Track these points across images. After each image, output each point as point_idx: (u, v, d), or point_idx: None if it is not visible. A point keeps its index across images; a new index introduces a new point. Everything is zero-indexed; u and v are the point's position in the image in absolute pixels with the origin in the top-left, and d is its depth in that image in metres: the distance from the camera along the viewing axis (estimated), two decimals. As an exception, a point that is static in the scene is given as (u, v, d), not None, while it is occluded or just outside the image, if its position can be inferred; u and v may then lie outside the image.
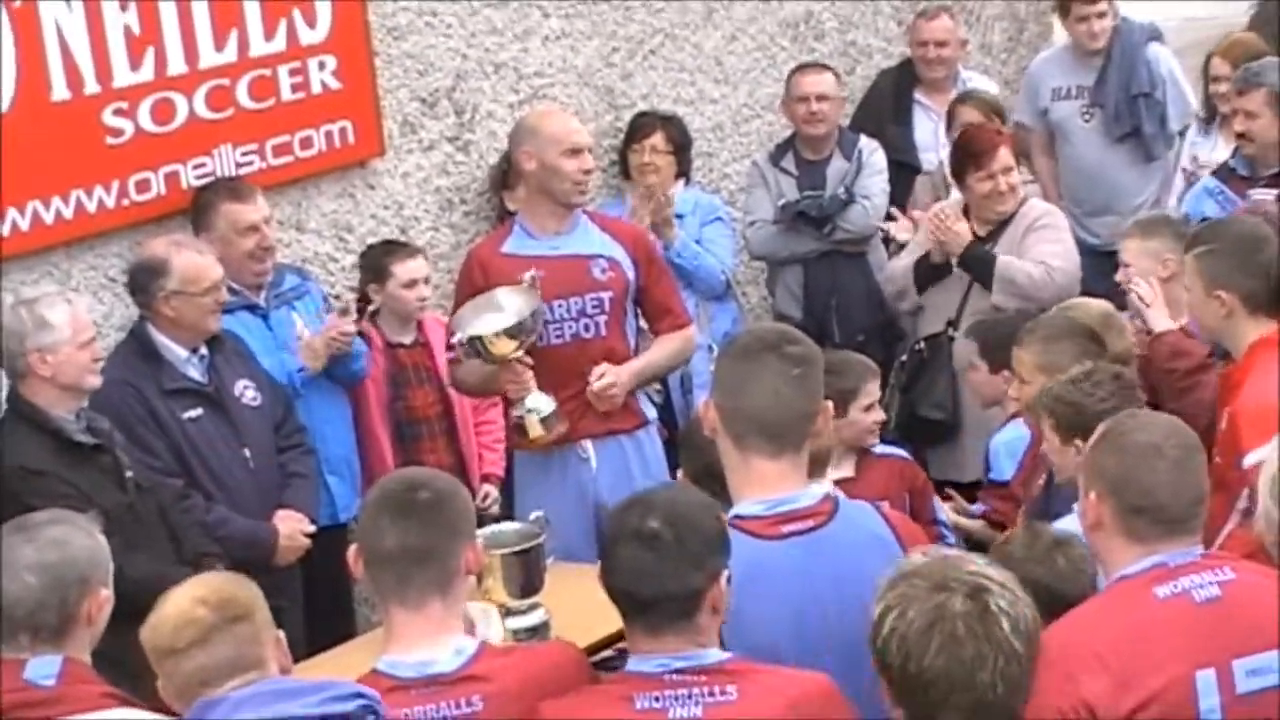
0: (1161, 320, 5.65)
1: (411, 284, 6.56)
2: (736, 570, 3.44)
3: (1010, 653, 2.78)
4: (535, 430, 5.86)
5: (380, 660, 3.52)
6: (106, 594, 3.89)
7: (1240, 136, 6.95)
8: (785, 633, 3.55)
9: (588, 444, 6.05)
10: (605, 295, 6.00)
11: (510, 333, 5.73)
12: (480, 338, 5.72)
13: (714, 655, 3.36)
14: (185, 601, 3.43)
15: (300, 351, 6.19)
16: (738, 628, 3.48)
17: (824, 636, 3.55)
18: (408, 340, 6.62)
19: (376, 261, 6.67)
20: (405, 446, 6.52)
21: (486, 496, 6.66)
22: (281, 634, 3.51)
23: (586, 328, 6.01)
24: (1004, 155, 6.91)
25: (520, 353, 5.77)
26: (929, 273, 7.02)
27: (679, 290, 6.56)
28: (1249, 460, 4.54)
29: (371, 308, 6.62)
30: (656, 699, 3.31)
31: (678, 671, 3.33)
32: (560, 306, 5.98)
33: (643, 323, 6.25)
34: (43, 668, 3.76)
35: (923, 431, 6.76)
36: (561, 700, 3.40)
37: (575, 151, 6.01)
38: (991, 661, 2.77)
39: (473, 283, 6.08)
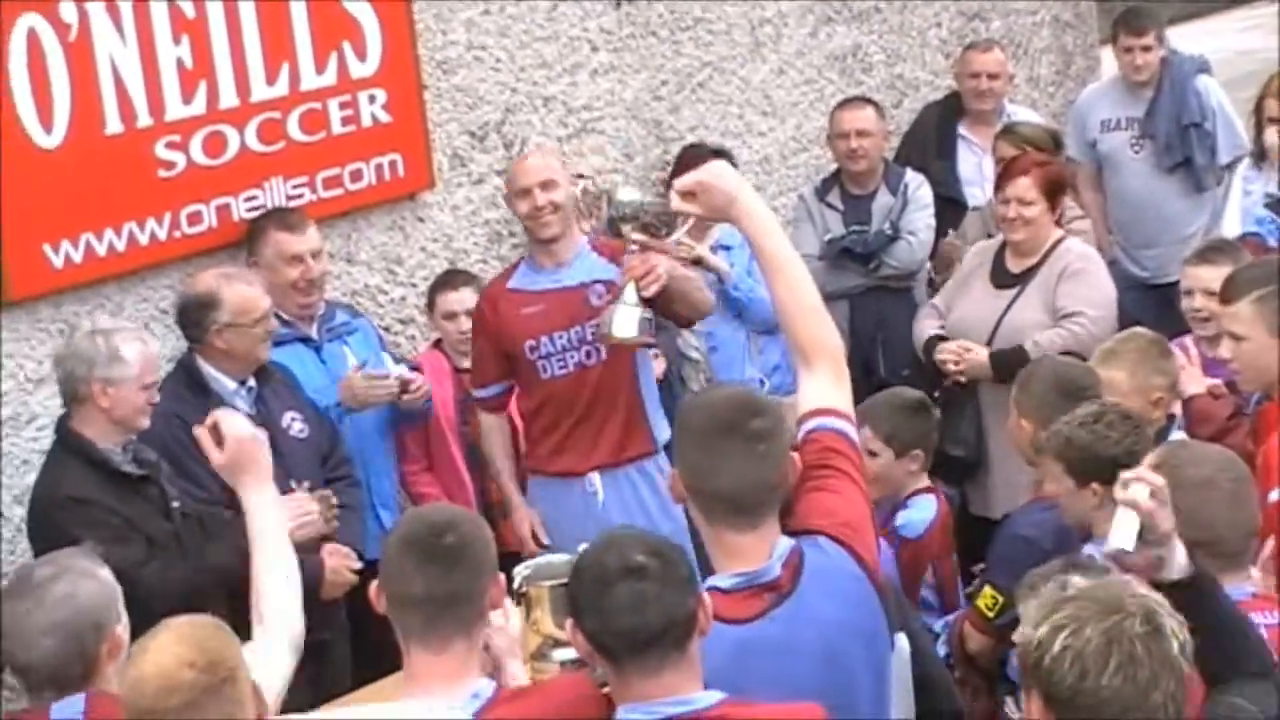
0: (1191, 384, 5.62)
1: (450, 316, 6.59)
2: (721, 663, 3.38)
3: (1180, 674, 2.83)
4: (627, 329, 5.78)
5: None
6: (122, 629, 3.88)
7: None
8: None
9: (595, 478, 6.15)
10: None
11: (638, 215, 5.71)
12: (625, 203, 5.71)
13: (706, 698, 3.31)
14: (170, 660, 3.33)
15: (341, 389, 6.20)
16: None
17: (821, 695, 3.46)
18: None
19: (430, 293, 6.74)
20: (474, 472, 6.54)
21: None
22: (257, 680, 3.46)
23: (588, 355, 6.11)
24: (1022, 185, 6.74)
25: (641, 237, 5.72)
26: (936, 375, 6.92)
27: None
28: (1275, 495, 4.50)
29: (436, 335, 6.68)
30: None
31: (671, 719, 3.27)
32: (561, 338, 6.10)
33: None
34: (67, 709, 3.78)
35: (948, 469, 6.62)
36: None
37: (524, 192, 6.18)
38: (1165, 683, 2.81)
39: (484, 319, 6.27)
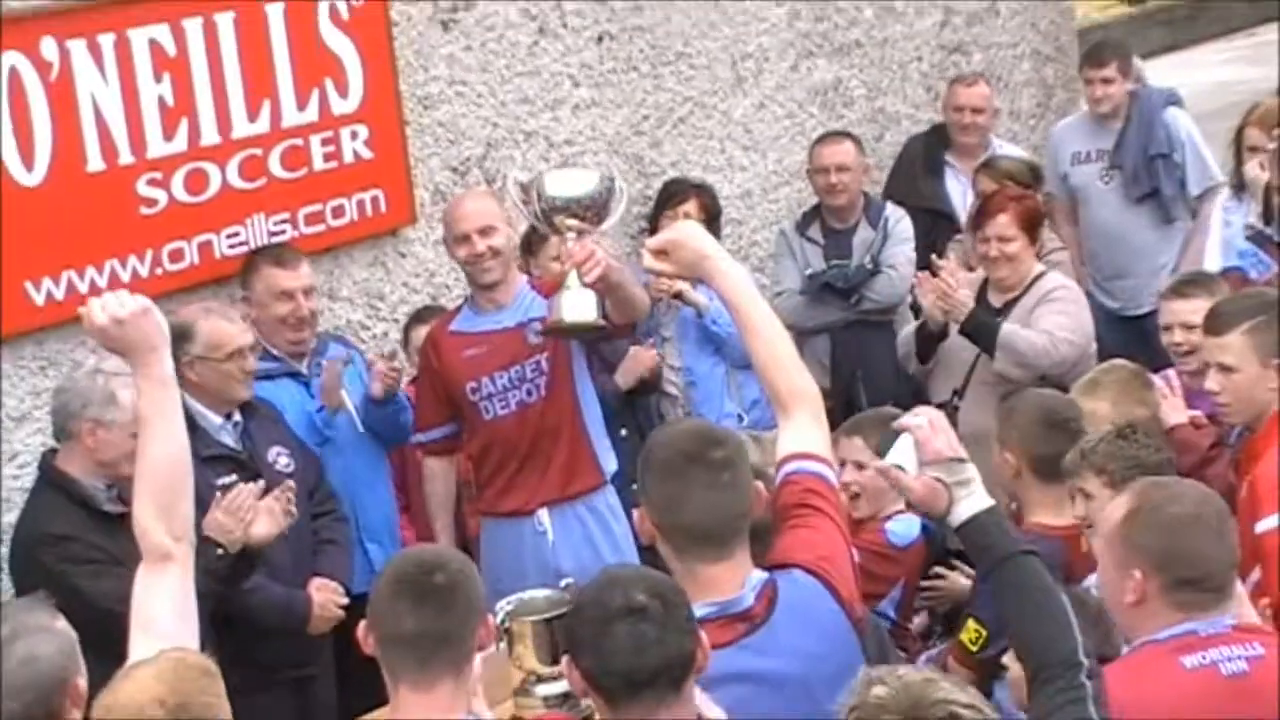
0: (1173, 414, 5.65)
1: None
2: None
3: None
4: (583, 312, 5.66)
5: None
6: (81, 679, 3.84)
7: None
8: None
9: (544, 515, 6.13)
10: (540, 357, 6.09)
11: (581, 204, 5.62)
12: (553, 198, 5.60)
13: None
14: (143, 696, 3.34)
15: (320, 394, 6.19)
16: None
17: None
18: None
19: (405, 329, 6.79)
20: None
21: None
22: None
23: (529, 392, 6.11)
24: (1001, 222, 6.81)
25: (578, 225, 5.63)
26: (927, 340, 6.97)
27: None
28: (1261, 526, 4.52)
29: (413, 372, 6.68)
30: None
31: None
32: (502, 378, 6.10)
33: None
34: None
35: None
36: None
37: (463, 238, 6.13)
38: None
39: (427, 359, 6.27)
